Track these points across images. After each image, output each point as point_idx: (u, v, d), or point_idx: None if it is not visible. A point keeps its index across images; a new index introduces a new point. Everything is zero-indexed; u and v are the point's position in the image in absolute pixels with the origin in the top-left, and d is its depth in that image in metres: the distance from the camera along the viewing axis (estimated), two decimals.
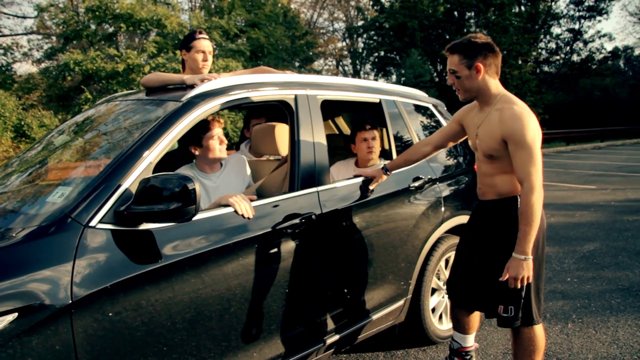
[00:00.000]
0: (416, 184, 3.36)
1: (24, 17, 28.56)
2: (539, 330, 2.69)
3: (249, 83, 2.72)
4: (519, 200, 2.60)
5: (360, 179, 3.08)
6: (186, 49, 3.29)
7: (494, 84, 2.62)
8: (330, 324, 2.86)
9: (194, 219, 2.16)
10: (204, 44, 3.27)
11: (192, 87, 2.64)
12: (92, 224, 1.98)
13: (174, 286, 2.13)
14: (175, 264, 2.14)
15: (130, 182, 2.13)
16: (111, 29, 19.26)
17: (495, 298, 2.66)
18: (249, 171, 3.16)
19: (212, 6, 24.67)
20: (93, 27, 18.94)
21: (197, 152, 2.91)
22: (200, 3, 26.88)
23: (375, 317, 3.12)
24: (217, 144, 2.90)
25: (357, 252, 3.00)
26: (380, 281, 3.14)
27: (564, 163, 17.01)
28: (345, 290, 2.95)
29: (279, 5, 25.56)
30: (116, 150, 2.31)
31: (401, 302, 3.31)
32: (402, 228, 3.25)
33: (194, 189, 1.99)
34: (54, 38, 22.80)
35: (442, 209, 3.52)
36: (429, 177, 3.49)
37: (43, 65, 22.08)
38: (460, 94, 2.67)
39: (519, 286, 2.52)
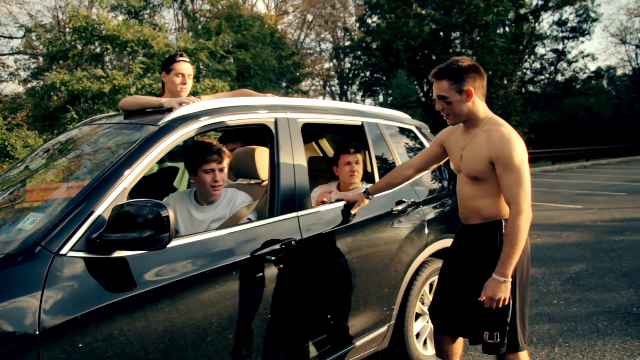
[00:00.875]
0: (399, 207, 3.33)
1: (11, 38, 28.39)
2: (524, 357, 2.65)
3: (228, 107, 2.68)
4: (504, 224, 2.57)
5: (342, 204, 3.03)
6: (166, 72, 3.26)
7: (482, 107, 2.60)
8: (313, 351, 2.79)
9: (170, 246, 2.11)
10: (184, 67, 3.24)
11: (170, 110, 2.60)
12: (63, 252, 1.92)
13: (147, 315, 2.06)
14: (149, 293, 2.07)
15: (104, 208, 2.07)
16: (98, 50, 19.22)
17: (481, 324, 2.62)
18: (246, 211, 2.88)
19: (200, 27, 24.75)
20: (80, 47, 18.90)
21: (192, 180, 2.84)
22: (188, 25, 26.97)
23: (358, 343, 3.06)
24: (209, 179, 2.77)
25: (339, 278, 2.95)
26: (363, 307, 3.09)
27: (550, 183, 17.09)
28: (328, 317, 2.89)
29: (267, 26, 25.70)
30: (91, 175, 2.26)
31: (384, 329, 3.25)
32: (385, 253, 3.20)
33: (167, 217, 1.94)
34: (40, 59, 22.72)
35: (426, 232, 3.49)
36: (413, 200, 3.45)
37: (30, 85, 21.98)
38: (450, 119, 2.63)
39: (494, 307, 2.48)
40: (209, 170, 2.76)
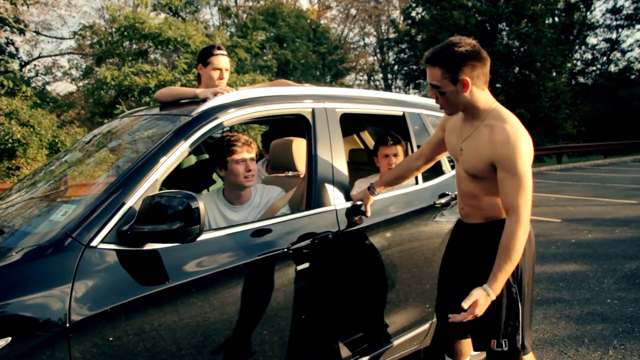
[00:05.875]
0: (442, 200, 3.20)
1: (62, 39, 29.57)
2: (529, 359, 2.44)
3: (264, 97, 2.61)
4: None
5: (387, 195, 2.92)
6: (203, 64, 3.21)
7: (483, 96, 2.28)
8: (350, 349, 2.70)
9: (202, 238, 2.07)
10: (222, 60, 3.18)
11: (204, 100, 2.55)
12: (93, 244, 1.89)
13: (179, 309, 2.02)
14: (180, 286, 2.03)
15: (135, 200, 2.03)
16: (142, 47, 19.68)
17: (487, 330, 2.38)
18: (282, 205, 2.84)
19: (236, 22, 24.88)
20: (123, 46, 19.38)
21: (221, 174, 2.72)
22: (223, 21, 27.19)
23: (397, 341, 2.95)
24: (241, 169, 2.66)
25: (378, 273, 2.85)
26: (404, 303, 2.98)
27: (601, 177, 16.48)
28: (365, 314, 2.79)
29: (309, 20, 25.62)
30: (123, 166, 2.23)
31: (426, 326, 3.13)
32: (427, 247, 3.08)
33: (197, 208, 1.88)
34: (91, 58, 23.49)
35: None
36: (456, 193, 3.31)
37: (81, 83, 22.73)
38: (446, 109, 2.37)
39: (465, 318, 2.19)
40: (239, 160, 2.66)
